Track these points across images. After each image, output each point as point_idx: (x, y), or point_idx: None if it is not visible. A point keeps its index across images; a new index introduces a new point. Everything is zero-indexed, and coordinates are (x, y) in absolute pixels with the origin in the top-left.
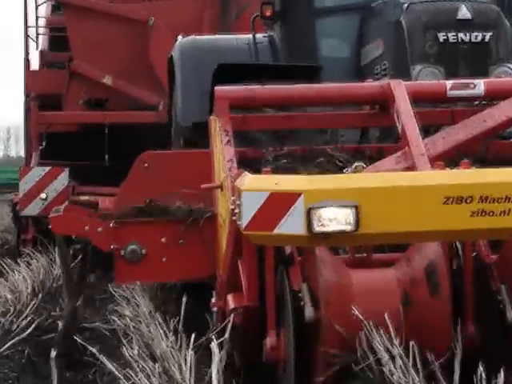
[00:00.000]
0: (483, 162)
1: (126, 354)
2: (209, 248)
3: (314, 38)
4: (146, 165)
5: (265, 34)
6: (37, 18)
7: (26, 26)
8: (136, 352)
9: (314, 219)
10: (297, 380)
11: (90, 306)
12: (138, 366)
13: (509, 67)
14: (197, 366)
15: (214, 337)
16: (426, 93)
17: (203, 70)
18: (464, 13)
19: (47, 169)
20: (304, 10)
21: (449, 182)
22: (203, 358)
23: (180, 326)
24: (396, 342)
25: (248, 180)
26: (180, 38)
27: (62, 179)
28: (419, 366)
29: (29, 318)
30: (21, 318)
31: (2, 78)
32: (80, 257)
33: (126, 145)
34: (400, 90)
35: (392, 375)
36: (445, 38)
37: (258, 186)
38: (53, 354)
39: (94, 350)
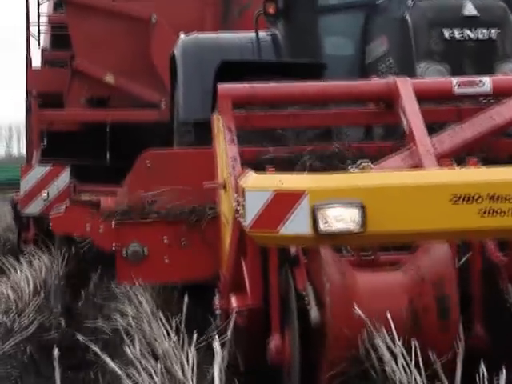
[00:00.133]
0: (486, 160)
1: (128, 353)
2: (211, 248)
3: (318, 35)
4: (148, 163)
5: (268, 32)
6: (39, 15)
7: (28, 24)
8: (138, 351)
9: (319, 218)
10: (302, 383)
11: (91, 304)
12: (140, 365)
13: None
14: (199, 365)
15: (216, 336)
16: (432, 90)
17: (205, 68)
18: (470, 9)
19: (48, 167)
20: (308, 7)
21: (457, 180)
22: (205, 357)
23: (182, 325)
24: (399, 341)
25: (252, 179)
26: (182, 35)
27: (64, 178)
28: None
29: (31, 317)
30: (23, 317)
31: (4, 77)
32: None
33: (128, 143)
34: (406, 87)
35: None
36: (450, 35)
37: (262, 184)
38: (55, 352)
39: (96, 349)
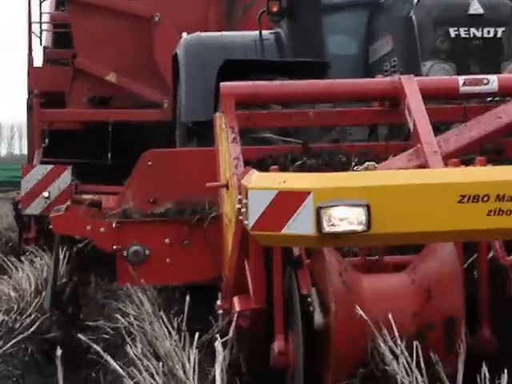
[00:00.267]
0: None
1: (130, 353)
2: (214, 249)
3: (322, 34)
4: (150, 163)
5: (271, 31)
6: (40, 14)
7: (30, 22)
8: (140, 350)
9: (323, 219)
10: None
11: (93, 304)
12: (142, 365)
13: None
14: (200, 364)
15: (218, 335)
16: (437, 89)
17: (208, 68)
18: (476, 8)
19: (50, 167)
20: (311, 6)
21: (464, 179)
22: (207, 356)
23: (184, 325)
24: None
25: (255, 178)
26: (185, 35)
27: (65, 178)
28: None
29: (32, 316)
30: (24, 316)
31: (5, 77)
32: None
33: (130, 143)
34: (411, 86)
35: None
36: (456, 33)
37: (265, 184)
38: (58, 352)
39: (98, 348)
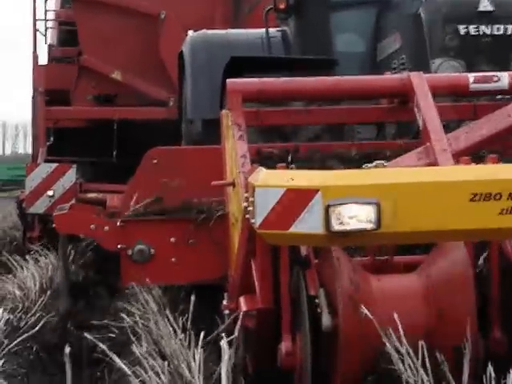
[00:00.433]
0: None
1: (136, 352)
2: (220, 248)
3: (329, 32)
4: (155, 161)
5: (278, 29)
6: (46, 11)
7: (35, 20)
8: (145, 349)
9: (332, 217)
10: None
11: (97, 303)
12: (147, 364)
13: None
14: (206, 364)
15: (223, 334)
16: (447, 86)
17: (214, 66)
18: (485, 5)
19: (54, 165)
20: (319, 3)
21: (476, 177)
22: (212, 356)
23: (189, 324)
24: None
25: (262, 176)
26: (191, 32)
27: (70, 176)
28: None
29: (37, 315)
30: (29, 315)
31: (10, 76)
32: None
33: (135, 141)
34: (421, 83)
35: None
36: (465, 30)
37: (272, 181)
38: (67, 349)
39: (103, 347)
